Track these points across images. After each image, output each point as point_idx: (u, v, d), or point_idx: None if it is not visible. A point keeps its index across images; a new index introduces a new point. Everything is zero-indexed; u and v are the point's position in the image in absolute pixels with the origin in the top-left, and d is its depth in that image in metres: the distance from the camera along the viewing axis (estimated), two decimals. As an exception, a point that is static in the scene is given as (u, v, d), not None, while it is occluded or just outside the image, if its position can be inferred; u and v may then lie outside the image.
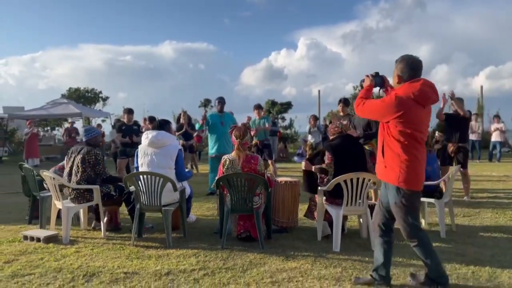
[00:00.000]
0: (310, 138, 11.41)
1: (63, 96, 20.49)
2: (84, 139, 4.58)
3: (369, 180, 3.89)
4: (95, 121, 20.12)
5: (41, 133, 16.67)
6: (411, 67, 2.80)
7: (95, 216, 4.73)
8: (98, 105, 23.51)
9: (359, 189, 3.87)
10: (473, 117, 10.93)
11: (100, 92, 23.58)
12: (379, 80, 3.05)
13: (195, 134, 10.13)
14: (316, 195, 4.26)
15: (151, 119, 9.30)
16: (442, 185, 5.08)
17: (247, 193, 3.90)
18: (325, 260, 3.53)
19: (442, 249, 3.83)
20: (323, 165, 4.21)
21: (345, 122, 5.03)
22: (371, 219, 3.53)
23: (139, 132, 8.06)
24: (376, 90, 3.13)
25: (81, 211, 4.73)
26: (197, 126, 8.48)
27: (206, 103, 21.49)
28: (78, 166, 4.38)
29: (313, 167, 4.27)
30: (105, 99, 23.73)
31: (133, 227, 4.09)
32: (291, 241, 4.14)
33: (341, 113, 6.36)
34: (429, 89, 2.74)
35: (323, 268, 3.32)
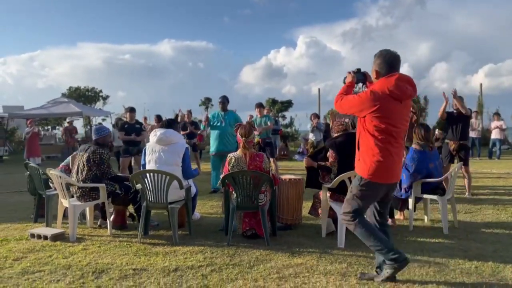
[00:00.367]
0: (311, 137, 11.45)
1: (63, 95, 20.49)
2: (93, 138, 4.62)
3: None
4: (95, 120, 20.17)
5: (42, 132, 16.68)
6: (388, 62, 2.81)
7: (101, 214, 4.78)
8: (99, 104, 23.54)
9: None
10: (473, 115, 10.98)
11: (101, 91, 23.59)
12: (360, 76, 3.08)
13: (198, 132, 10.31)
14: (320, 192, 4.31)
15: (158, 118, 9.72)
16: (443, 182, 5.13)
17: (253, 190, 3.95)
18: (330, 256, 3.58)
19: (445, 244, 3.89)
20: (327, 164, 4.26)
21: (347, 120, 5.07)
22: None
23: (141, 131, 8.13)
24: (359, 86, 3.16)
25: (87, 209, 4.77)
26: (202, 127, 8.82)
27: (207, 101, 21.53)
28: (83, 165, 4.42)
29: (316, 163, 4.31)
30: (105, 98, 23.74)
31: (140, 225, 4.14)
32: (296, 238, 4.19)
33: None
34: (404, 84, 2.74)
35: (329, 264, 3.37)
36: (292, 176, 4.74)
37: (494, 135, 13.33)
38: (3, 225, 4.96)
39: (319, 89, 20.26)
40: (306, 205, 4.86)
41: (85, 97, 22.76)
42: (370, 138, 2.79)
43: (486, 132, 15.76)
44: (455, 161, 6.49)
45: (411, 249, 3.72)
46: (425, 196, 4.50)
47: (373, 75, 2.93)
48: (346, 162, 4.08)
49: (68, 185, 4.49)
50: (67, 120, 15.31)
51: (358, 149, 2.92)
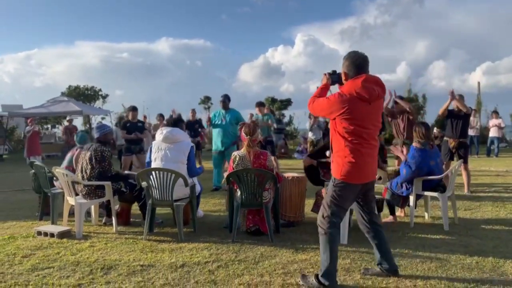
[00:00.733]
0: (311, 135, 11.51)
1: (63, 94, 20.51)
2: (95, 136, 4.67)
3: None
4: (95, 119, 20.20)
5: (42, 131, 16.71)
6: (355, 64, 2.81)
7: (106, 212, 4.83)
8: (98, 103, 23.56)
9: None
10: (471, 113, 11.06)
11: (100, 90, 23.63)
12: (335, 78, 3.06)
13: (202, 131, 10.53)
14: (322, 190, 4.37)
15: (162, 116, 10.26)
16: (444, 180, 5.20)
17: (257, 188, 4.01)
18: (333, 252, 3.64)
19: (446, 241, 3.96)
20: (328, 160, 4.32)
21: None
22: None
23: (143, 129, 8.19)
24: (335, 87, 3.12)
25: (92, 207, 4.82)
26: (205, 126, 9.24)
27: (206, 100, 21.57)
28: (87, 163, 4.47)
29: (316, 161, 4.38)
30: (104, 97, 23.80)
31: (145, 222, 4.19)
32: (299, 234, 4.26)
33: None
34: (371, 85, 2.74)
35: (333, 260, 3.43)
36: (295, 174, 4.80)
37: (492, 133, 13.44)
38: (9, 223, 5.01)
39: (317, 88, 20.25)
40: (309, 203, 4.93)
41: (84, 95, 22.80)
42: (341, 140, 2.80)
43: (484, 130, 15.88)
44: (455, 158, 6.57)
45: (412, 245, 3.80)
46: (425, 193, 4.57)
47: (343, 77, 2.93)
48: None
49: (73, 183, 4.54)
50: (67, 119, 15.34)
51: (331, 151, 2.93)
